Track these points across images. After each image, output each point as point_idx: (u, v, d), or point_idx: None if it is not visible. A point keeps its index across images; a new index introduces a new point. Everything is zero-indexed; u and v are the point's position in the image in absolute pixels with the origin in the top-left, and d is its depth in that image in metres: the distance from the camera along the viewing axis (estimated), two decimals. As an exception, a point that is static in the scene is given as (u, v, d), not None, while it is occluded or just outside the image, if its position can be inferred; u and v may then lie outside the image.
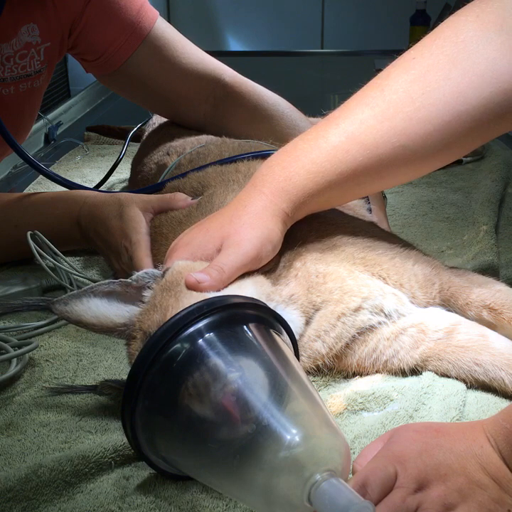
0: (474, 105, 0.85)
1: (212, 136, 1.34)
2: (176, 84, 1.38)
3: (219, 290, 0.80)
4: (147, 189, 1.23)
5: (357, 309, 0.87)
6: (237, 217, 0.87)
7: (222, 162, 1.15)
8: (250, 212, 0.86)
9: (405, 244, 0.96)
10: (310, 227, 0.93)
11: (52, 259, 1.11)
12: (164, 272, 0.84)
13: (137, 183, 1.37)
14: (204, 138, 1.34)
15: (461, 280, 0.92)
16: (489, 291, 0.90)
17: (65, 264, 1.14)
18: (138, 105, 1.48)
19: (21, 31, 1.26)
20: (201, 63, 1.38)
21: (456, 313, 0.91)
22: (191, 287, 0.79)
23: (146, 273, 0.85)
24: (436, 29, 0.90)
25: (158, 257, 1.01)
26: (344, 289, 0.88)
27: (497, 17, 0.87)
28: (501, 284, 0.92)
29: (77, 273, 1.15)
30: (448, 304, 0.92)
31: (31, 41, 1.28)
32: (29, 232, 1.11)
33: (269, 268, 0.87)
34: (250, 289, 0.82)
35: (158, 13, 1.35)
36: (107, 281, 0.84)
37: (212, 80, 1.39)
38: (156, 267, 0.96)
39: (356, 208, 1.07)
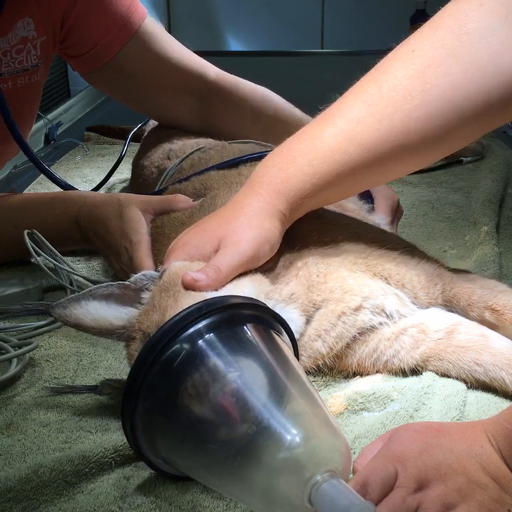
0: (475, 99, 0.83)
1: (212, 140, 1.35)
2: (163, 77, 1.40)
3: (216, 289, 0.80)
4: (150, 194, 1.23)
5: (357, 308, 0.87)
6: (235, 217, 0.86)
7: (224, 165, 1.15)
8: (248, 213, 0.86)
9: (407, 245, 0.96)
10: (311, 226, 0.93)
11: (50, 258, 1.11)
12: (162, 273, 0.84)
13: (139, 186, 1.38)
14: (203, 141, 1.35)
15: (463, 281, 0.91)
16: (491, 292, 0.90)
17: (64, 262, 1.13)
18: (124, 104, 1.49)
19: (17, 26, 1.27)
20: (187, 59, 1.41)
21: (459, 314, 0.91)
22: (188, 286, 0.79)
23: (143, 275, 0.85)
24: (437, 17, 0.87)
25: (160, 257, 1.01)
26: (345, 288, 0.88)
27: (502, 6, 0.83)
28: (503, 285, 0.92)
29: (74, 272, 1.15)
30: (450, 304, 0.92)
31: (27, 36, 1.29)
32: (26, 231, 1.11)
33: (268, 267, 0.87)
34: (248, 287, 0.82)
35: (147, 11, 1.38)
36: (105, 283, 0.84)
37: (197, 75, 1.41)
38: (156, 267, 0.97)
39: (357, 210, 1.07)
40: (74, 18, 1.33)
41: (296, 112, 1.44)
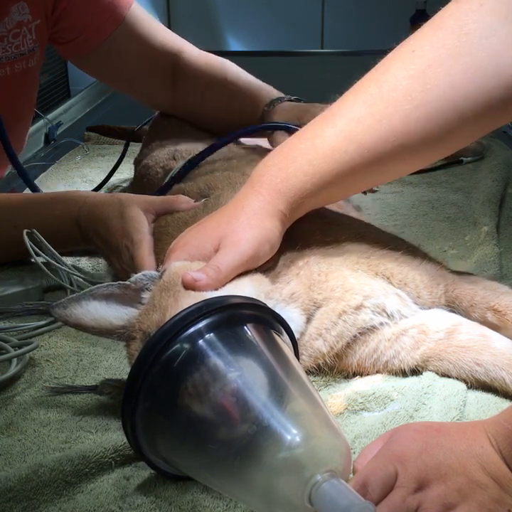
0: (475, 100, 0.83)
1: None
2: (147, 60, 1.42)
3: (216, 289, 0.80)
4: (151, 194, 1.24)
5: (358, 307, 0.87)
6: (235, 217, 0.87)
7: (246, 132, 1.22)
8: (248, 213, 0.86)
9: (409, 246, 0.96)
10: (314, 226, 0.93)
11: (49, 258, 1.11)
12: (162, 273, 0.84)
13: (143, 186, 1.38)
14: (210, 142, 1.35)
15: (465, 282, 0.92)
16: (493, 293, 0.90)
17: (63, 263, 1.13)
18: (109, 86, 1.51)
19: (12, 10, 1.29)
20: (168, 40, 1.43)
21: (461, 314, 0.91)
22: (188, 285, 0.79)
23: (144, 275, 0.85)
24: (437, 17, 0.87)
25: (163, 256, 1.01)
26: (346, 287, 0.88)
27: (502, 5, 0.83)
28: (505, 287, 0.92)
29: (74, 272, 1.15)
30: (452, 305, 0.92)
31: (22, 20, 1.32)
32: (25, 231, 1.11)
33: (268, 267, 0.87)
34: (248, 287, 0.82)
35: None
36: (105, 283, 0.84)
37: (172, 54, 1.43)
38: (158, 266, 0.97)
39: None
40: (66, 1, 1.35)
41: (253, 80, 1.43)
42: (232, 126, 1.33)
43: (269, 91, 1.38)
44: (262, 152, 1.23)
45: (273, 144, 1.23)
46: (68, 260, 1.21)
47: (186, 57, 1.43)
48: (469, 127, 0.86)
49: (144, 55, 1.41)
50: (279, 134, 1.24)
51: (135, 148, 1.59)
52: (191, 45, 1.46)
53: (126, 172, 1.66)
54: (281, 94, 1.37)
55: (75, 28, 1.38)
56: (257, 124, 1.31)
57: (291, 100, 1.33)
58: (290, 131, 1.22)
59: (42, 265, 1.10)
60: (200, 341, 0.69)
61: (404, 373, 0.89)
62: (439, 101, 0.84)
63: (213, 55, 1.45)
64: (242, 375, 0.67)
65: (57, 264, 1.12)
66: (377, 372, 0.90)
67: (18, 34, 1.31)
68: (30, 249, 1.09)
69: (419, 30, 0.87)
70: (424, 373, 0.88)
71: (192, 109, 1.43)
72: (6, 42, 1.30)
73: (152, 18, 1.43)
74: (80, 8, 1.36)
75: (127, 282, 0.85)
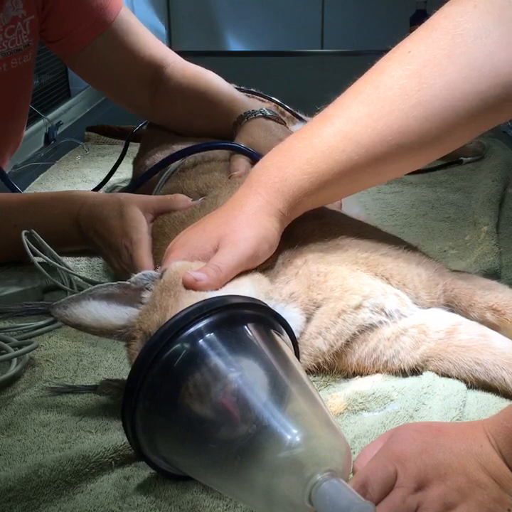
0: (471, 100, 0.84)
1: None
2: (127, 66, 1.41)
3: (216, 289, 0.80)
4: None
5: (357, 307, 0.88)
6: (233, 217, 0.87)
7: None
8: (246, 212, 0.87)
9: (408, 246, 0.96)
10: (312, 226, 0.93)
11: (48, 258, 1.11)
12: (162, 273, 0.84)
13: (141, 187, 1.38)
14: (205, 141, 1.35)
15: (464, 282, 0.92)
16: (492, 293, 0.90)
17: (62, 263, 1.13)
18: (97, 90, 1.50)
19: (6, 6, 1.29)
20: (151, 48, 1.42)
21: (460, 314, 0.91)
22: (188, 286, 0.79)
23: (144, 275, 0.85)
24: (432, 19, 0.88)
25: (160, 256, 1.01)
26: (345, 287, 0.88)
27: (495, 7, 0.85)
28: (504, 286, 0.92)
29: (73, 272, 1.15)
30: (452, 305, 0.92)
31: (17, 15, 1.32)
32: (24, 231, 1.11)
33: (267, 266, 0.87)
34: (248, 287, 0.82)
35: (122, 2, 1.41)
36: (105, 283, 0.84)
37: (156, 65, 1.42)
38: (156, 266, 0.97)
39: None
40: (53, 0, 1.35)
41: (229, 92, 1.40)
42: (210, 137, 1.33)
43: (246, 105, 1.34)
44: None
45: (230, 164, 1.21)
46: (68, 260, 1.21)
47: (170, 69, 1.42)
48: (466, 126, 0.87)
49: (127, 62, 1.41)
50: (235, 157, 1.21)
51: (135, 148, 1.59)
52: (177, 55, 1.45)
53: (126, 172, 1.66)
54: (257, 107, 1.33)
55: (61, 28, 1.38)
56: (231, 136, 1.30)
57: (265, 116, 1.29)
58: (245, 152, 1.21)
59: (39, 266, 1.09)
60: (201, 341, 0.69)
61: (404, 373, 0.89)
62: (436, 100, 0.85)
63: (197, 68, 1.43)
64: (242, 374, 0.67)
65: (57, 265, 1.12)
66: (377, 371, 0.90)
67: (13, 30, 1.31)
68: (28, 249, 1.09)
69: (414, 32, 0.89)
70: (424, 373, 0.88)
71: (170, 119, 1.42)
72: (1, 38, 1.30)
73: (141, 25, 1.43)
74: (66, 9, 1.36)
75: (127, 282, 0.85)
